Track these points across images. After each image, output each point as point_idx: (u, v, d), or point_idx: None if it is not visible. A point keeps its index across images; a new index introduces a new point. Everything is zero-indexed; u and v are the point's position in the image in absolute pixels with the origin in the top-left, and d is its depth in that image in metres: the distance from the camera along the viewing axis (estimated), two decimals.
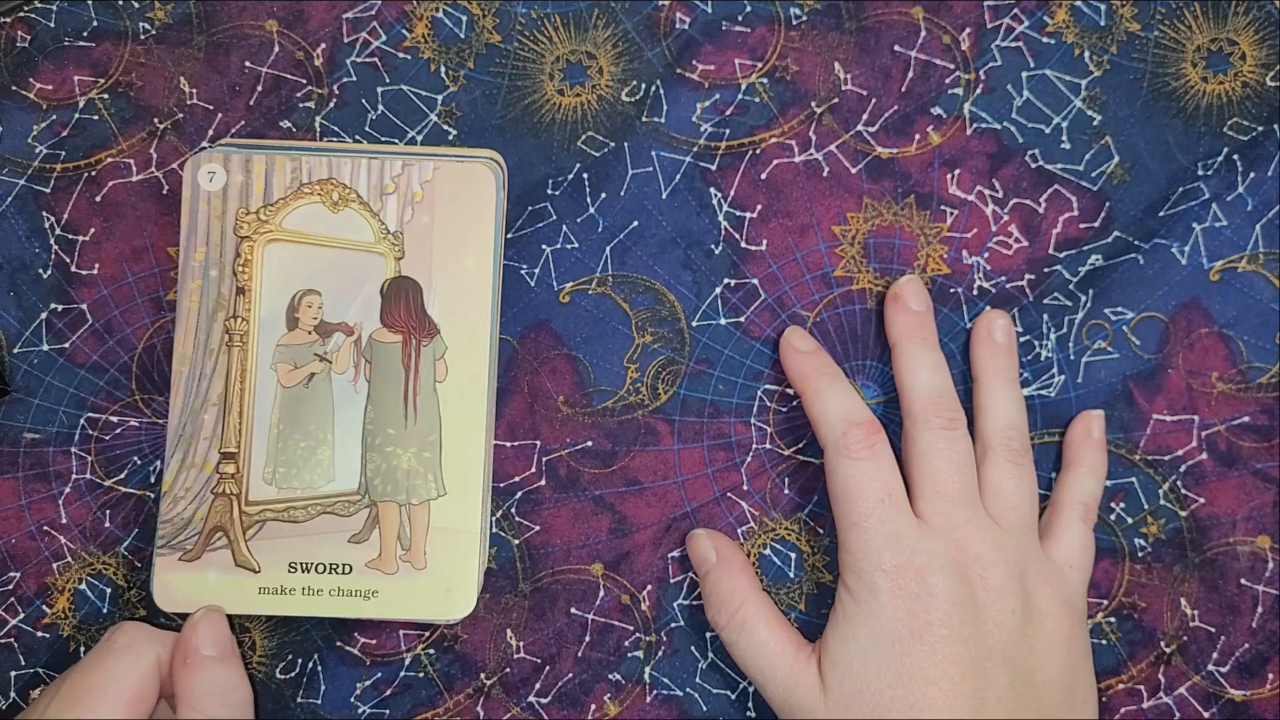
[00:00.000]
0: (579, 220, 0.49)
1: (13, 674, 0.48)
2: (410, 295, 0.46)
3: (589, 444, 0.48)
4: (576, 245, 0.49)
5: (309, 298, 0.46)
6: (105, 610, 0.48)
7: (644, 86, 0.49)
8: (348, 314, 0.47)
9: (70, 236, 0.49)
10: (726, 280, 0.48)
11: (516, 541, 0.48)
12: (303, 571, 0.46)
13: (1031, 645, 0.42)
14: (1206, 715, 0.46)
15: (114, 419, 0.48)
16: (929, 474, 0.44)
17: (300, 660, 0.48)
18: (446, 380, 0.46)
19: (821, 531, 0.47)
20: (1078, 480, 0.46)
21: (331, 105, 0.49)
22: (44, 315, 0.49)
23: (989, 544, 0.43)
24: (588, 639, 0.47)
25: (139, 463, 0.48)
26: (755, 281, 0.48)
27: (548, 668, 0.47)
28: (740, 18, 0.49)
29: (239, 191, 0.47)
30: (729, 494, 0.48)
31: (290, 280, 0.46)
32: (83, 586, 0.48)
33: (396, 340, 0.46)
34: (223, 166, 0.47)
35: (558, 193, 0.49)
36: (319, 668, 0.47)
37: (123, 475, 0.48)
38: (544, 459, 0.48)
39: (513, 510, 0.48)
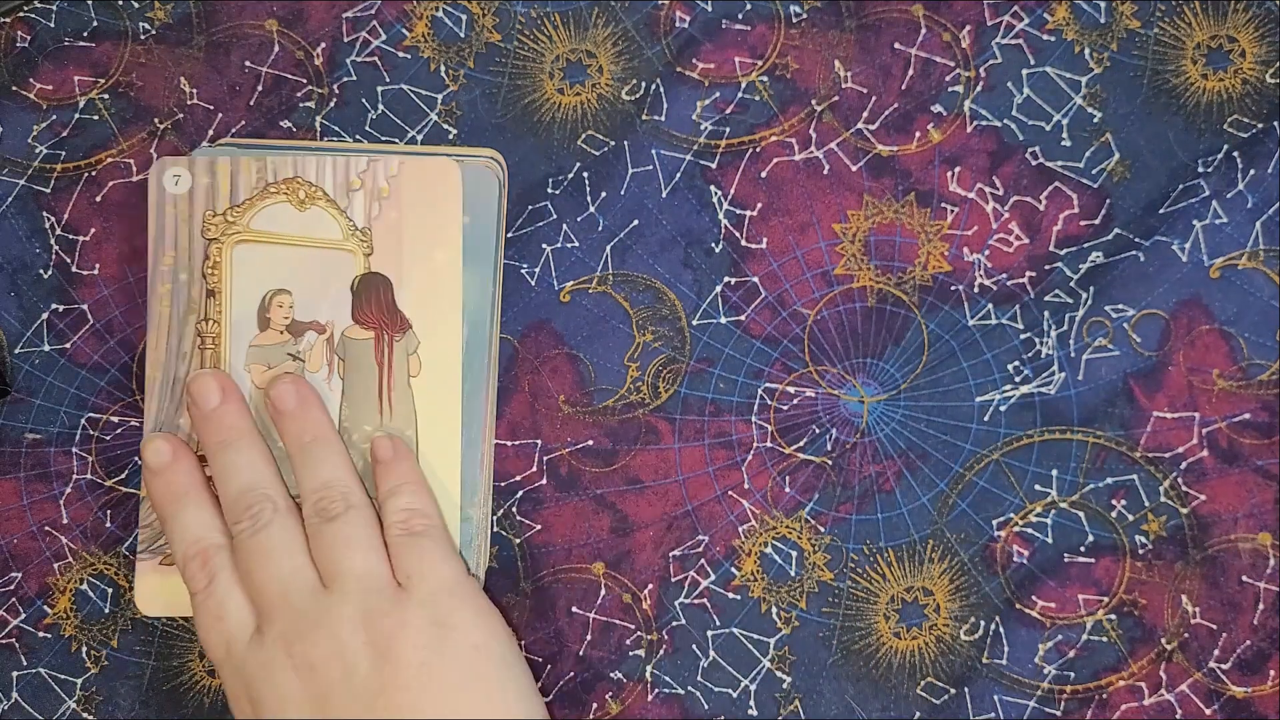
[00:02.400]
0: (579, 219, 0.49)
1: (14, 674, 0.48)
2: (381, 291, 0.46)
3: (590, 443, 0.48)
4: (577, 244, 0.49)
5: (279, 297, 0.46)
6: (106, 610, 0.48)
7: (644, 85, 0.49)
8: (319, 312, 0.46)
9: (71, 236, 0.49)
10: (727, 278, 0.48)
11: (517, 541, 0.48)
12: None
13: (390, 689, 0.41)
14: (1208, 712, 0.46)
15: (115, 419, 0.48)
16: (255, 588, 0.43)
17: None
18: (420, 375, 0.46)
19: (822, 530, 0.47)
20: (385, 504, 0.45)
21: (332, 105, 0.49)
22: (45, 316, 0.49)
23: (307, 627, 0.42)
24: (589, 638, 0.47)
25: (139, 463, 0.48)
26: (756, 280, 0.48)
27: (549, 667, 0.47)
28: (740, 16, 0.49)
29: (205, 194, 0.46)
30: (730, 492, 0.48)
31: (260, 281, 0.46)
32: (84, 586, 0.48)
33: (369, 337, 0.46)
34: (187, 170, 0.46)
35: (558, 192, 0.49)
36: None
37: (123, 475, 0.48)
38: (545, 458, 0.48)
39: (514, 509, 0.48)
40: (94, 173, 0.49)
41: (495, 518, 0.48)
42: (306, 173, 0.47)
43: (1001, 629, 0.47)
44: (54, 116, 0.50)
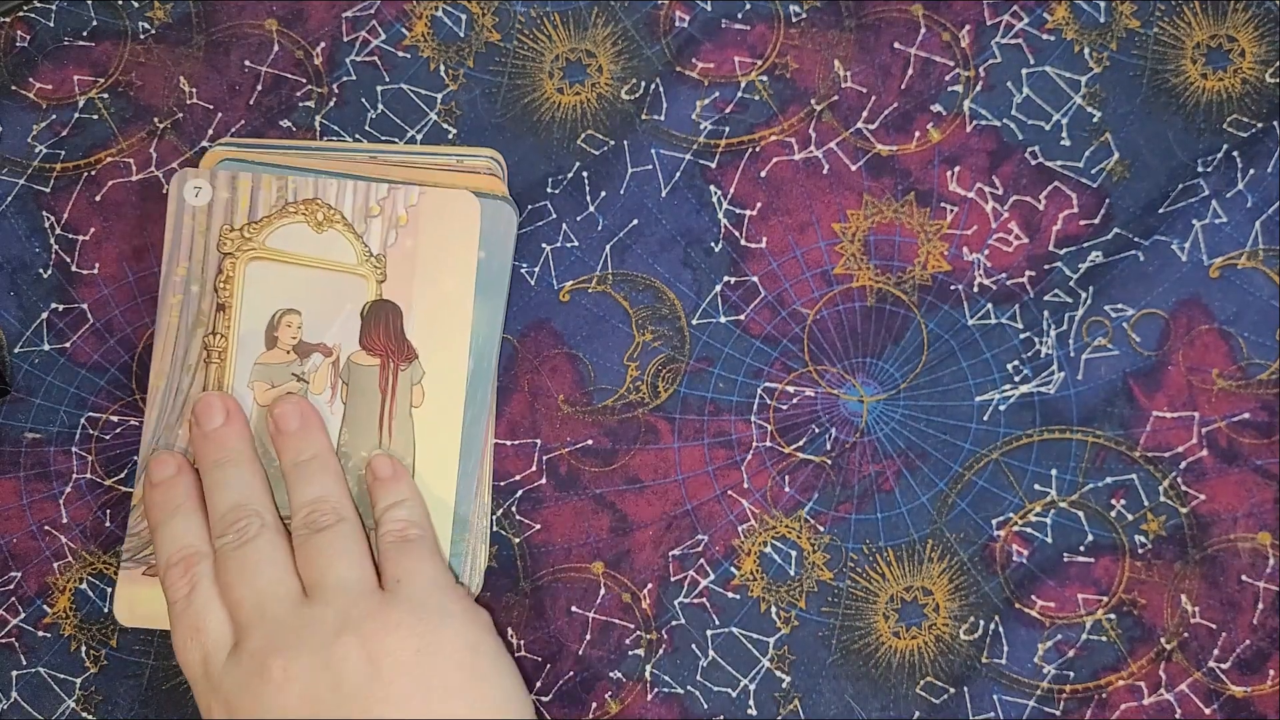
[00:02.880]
0: (579, 219, 0.49)
1: (14, 674, 0.48)
2: (390, 319, 0.46)
3: (589, 442, 0.48)
4: (576, 244, 0.49)
5: (289, 317, 0.46)
6: (106, 610, 0.48)
7: (643, 84, 0.49)
8: (327, 334, 0.46)
9: (70, 236, 0.49)
10: (726, 278, 0.48)
11: (517, 540, 0.48)
12: None
13: (381, 693, 0.40)
14: (1207, 712, 0.46)
15: (114, 419, 0.48)
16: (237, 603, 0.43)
17: None
18: (423, 406, 0.46)
19: (821, 529, 0.47)
20: (382, 517, 0.45)
21: (331, 104, 0.49)
22: (45, 315, 0.49)
23: (287, 640, 0.41)
24: (588, 637, 0.47)
25: (139, 462, 0.48)
26: (755, 279, 0.48)
27: (549, 666, 0.47)
28: (740, 15, 0.49)
29: (224, 208, 0.46)
30: (729, 492, 0.48)
31: (271, 299, 0.46)
32: (83, 586, 0.48)
33: (374, 363, 0.46)
34: (209, 183, 0.46)
35: (557, 191, 0.49)
36: None
37: (123, 475, 0.48)
38: (544, 457, 0.48)
39: (513, 509, 0.48)
40: (94, 172, 0.49)
41: (495, 517, 0.48)
42: (326, 195, 0.46)
43: (1001, 628, 0.47)
44: (54, 116, 0.50)
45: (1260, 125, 0.48)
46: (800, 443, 0.48)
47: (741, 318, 0.48)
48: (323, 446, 0.45)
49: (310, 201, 0.46)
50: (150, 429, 0.46)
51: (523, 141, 0.49)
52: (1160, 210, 0.48)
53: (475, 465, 0.47)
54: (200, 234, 0.46)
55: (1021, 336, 0.48)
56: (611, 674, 0.47)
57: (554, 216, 0.49)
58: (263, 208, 0.46)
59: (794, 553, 0.48)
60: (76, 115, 0.50)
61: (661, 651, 0.47)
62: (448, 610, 0.43)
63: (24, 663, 0.48)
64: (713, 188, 0.49)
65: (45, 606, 0.48)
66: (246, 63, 0.50)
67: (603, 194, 0.49)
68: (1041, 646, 0.47)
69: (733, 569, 0.47)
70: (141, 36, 0.50)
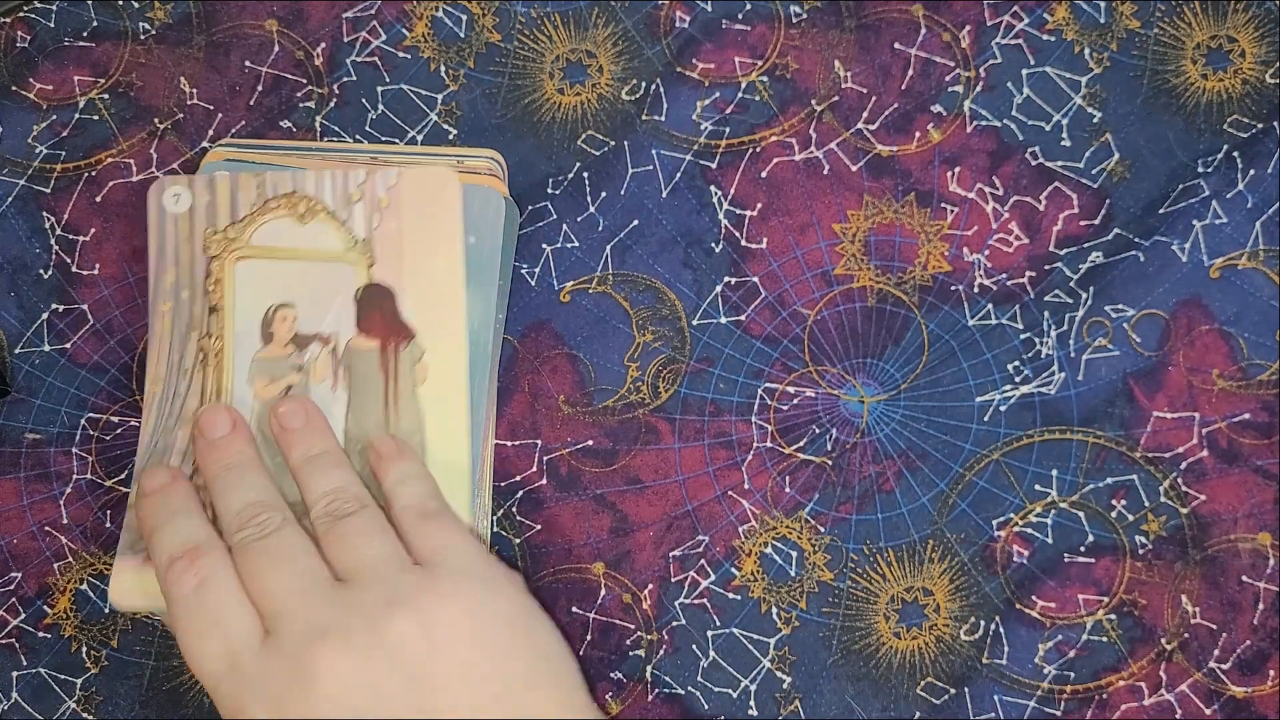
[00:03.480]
0: (579, 219, 0.49)
1: (14, 674, 0.48)
2: (384, 302, 0.46)
3: (590, 443, 0.48)
4: (577, 244, 0.49)
5: (283, 311, 0.46)
6: (106, 610, 0.48)
7: (644, 85, 0.49)
8: (323, 324, 0.46)
9: (71, 237, 0.49)
10: (727, 278, 0.48)
11: (517, 540, 0.48)
12: None
13: (443, 667, 0.39)
14: (1208, 712, 0.46)
15: (115, 419, 0.48)
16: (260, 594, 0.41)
17: None
18: (426, 383, 0.46)
19: (822, 530, 0.47)
20: (394, 493, 0.44)
21: (332, 105, 0.49)
22: (45, 316, 0.49)
23: (335, 620, 0.39)
24: (589, 638, 0.47)
25: (137, 466, 0.48)
26: (755, 280, 0.48)
27: None
28: (740, 16, 0.49)
29: (205, 211, 0.46)
30: (730, 492, 0.48)
31: (263, 295, 0.46)
32: (84, 586, 0.48)
33: (373, 347, 0.46)
34: (187, 188, 0.46)
35: (558, 192, 0.49)
36: None
37: (123, 475, 0.48)
38: (545, 458, 0.48)
39: (514, 509, 0.48)
40: (94, 173, 0.49)
41: (495, 517, 0.48)
42: (306, 187, 0.46)
43: (1001, 629, 0.47)
44: (54, 116, 0.50)
45: (1260, 125, 0.48)
46: (801, 443, 0.48)
47: (742, 318, 0.48)
48: (331, 442, 0.45)
49: (290, 195, 0.46)
50: (147, 435, 0.46)
51: (523, 142, 0.49)
52: (1160, 211, 0.48)
53: (477, 453, 0.46)
54: (185, 240, 0.46)
55: (1022, 337, 0.48)
56: (612, 674, 0.47)
57: (554, 217, 0.49)
58: (244, 206, 0.46)
59: (794, 553, 0.48)
60: (77, 116, 0.50)
61: (662, 652, 0.47)
62: (493, 576, 0.41)
63: (24, 663, 0.48)
64: (713, 188, 0.49)
65: (46, 607, 0.48)
66: (247, 63, 0.50)
67: (603, 194, 0.49)
68: (1042, 647, 0.47)
69: (733, 569, 0.47)
70: (142, 37, 0.50)
